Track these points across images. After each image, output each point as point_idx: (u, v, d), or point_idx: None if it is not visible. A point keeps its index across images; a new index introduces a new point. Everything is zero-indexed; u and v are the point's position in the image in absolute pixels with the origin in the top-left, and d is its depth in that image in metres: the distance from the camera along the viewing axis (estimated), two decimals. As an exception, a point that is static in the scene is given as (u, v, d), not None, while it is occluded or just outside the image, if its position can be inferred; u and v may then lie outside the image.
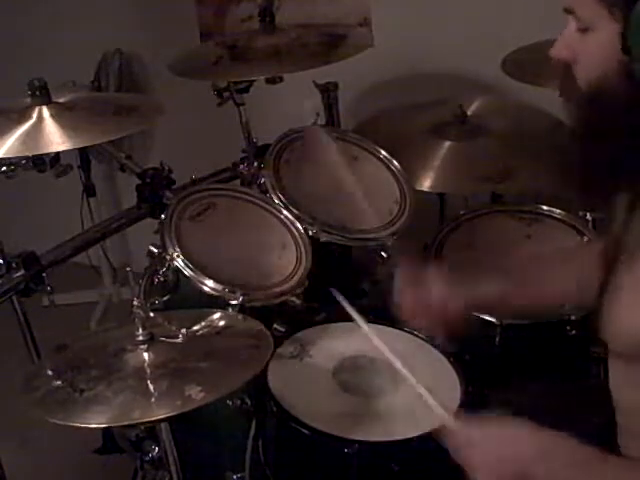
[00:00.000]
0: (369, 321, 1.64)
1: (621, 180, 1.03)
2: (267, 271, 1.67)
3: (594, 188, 1.07)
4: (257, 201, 1.78)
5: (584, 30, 0.99)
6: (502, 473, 1.05)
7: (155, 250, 1.63)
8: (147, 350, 1.32)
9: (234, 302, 1.54)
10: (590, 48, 0.99)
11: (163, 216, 1.66)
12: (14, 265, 1.65)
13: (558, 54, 1.04)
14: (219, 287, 1.56)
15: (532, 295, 1.34)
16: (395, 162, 1.91)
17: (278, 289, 1.63)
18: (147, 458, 1.65)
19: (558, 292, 1.35)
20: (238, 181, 2.04)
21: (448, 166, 1.95)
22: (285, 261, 1.70)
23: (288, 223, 1.74)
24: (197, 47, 2.55)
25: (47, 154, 1.65)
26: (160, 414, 1.23)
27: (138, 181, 1.92)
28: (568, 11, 1.01)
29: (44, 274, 1.69)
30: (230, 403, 1.50)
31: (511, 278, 1.32)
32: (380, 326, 1.61)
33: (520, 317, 1.63)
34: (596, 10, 0.96)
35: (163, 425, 1.36)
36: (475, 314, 1.64)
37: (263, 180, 1.81)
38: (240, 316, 1.49)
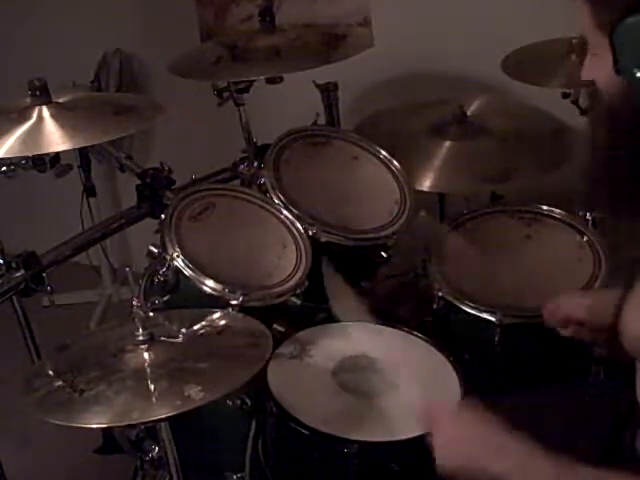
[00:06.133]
0: (369, 321, 1.65)
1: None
2: (267, 271, 1.67)
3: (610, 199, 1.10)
4: (257, 201, 1.78)
5: (594, 55, 1.03)
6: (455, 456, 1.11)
7: (155, 250, 1.63)
8: (147, 350, 1.32)
9: (234, 302, 1.54)
10: (599, 72, 1.03)
11: (163, 216, 1.66)
12: (14, 265, 1.65)
13: (585, 76, 1.08)
14: (219, 287, 1.56)
15: None
16: (395, 162, 1.90)
17: (278, 289, 1.63)
18: (147, 458, 1.64)
19: None
20: (238, 181, 2.04)
21: (448, 166, 1.95)
22: (285, 261, 1.69)
23: (288, 223, 1.74)
24: (197, 47, 2.54)
25: (47, 154, 1.65)
26: (160, 414, 1.22)
27: (138, 181, 1.92)
28: (582, 38, 1.05)
29: (44, 274, 1.69)
30: (230, 403, 1.50)
31: None
32: (380, 326, 1.62)
33: (520, 317, 1.63)
34: (598, 36, 1.00)
35: (163, 425, 1.36)
36: (475, 313, 1.65)
37: (263, 180, 1.81)
38: (240, 316, 1.50)
